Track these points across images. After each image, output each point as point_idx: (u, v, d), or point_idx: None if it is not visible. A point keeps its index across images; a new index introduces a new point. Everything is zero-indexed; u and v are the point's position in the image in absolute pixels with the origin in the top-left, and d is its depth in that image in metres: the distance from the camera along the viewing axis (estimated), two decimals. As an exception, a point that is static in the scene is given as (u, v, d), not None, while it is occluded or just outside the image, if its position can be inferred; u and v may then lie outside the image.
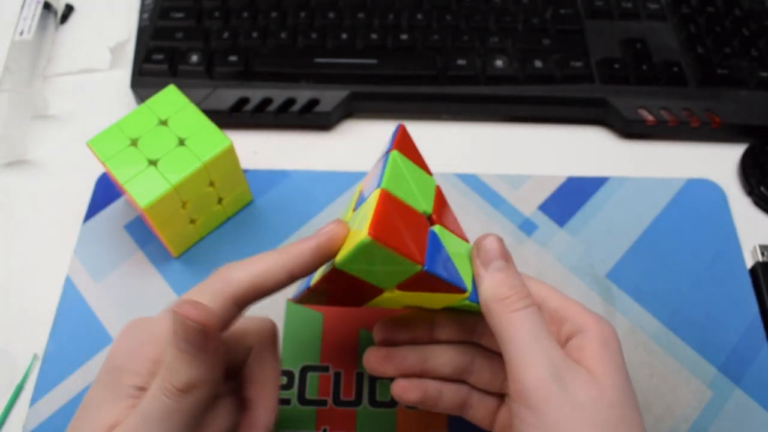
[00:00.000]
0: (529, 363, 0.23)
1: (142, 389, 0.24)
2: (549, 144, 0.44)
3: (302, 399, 0.33)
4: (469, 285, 0.25)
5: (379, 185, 0.25)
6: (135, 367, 0.24)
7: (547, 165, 0.42)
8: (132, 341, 0.25)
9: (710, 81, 0.43)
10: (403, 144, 0.28)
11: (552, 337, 0.24)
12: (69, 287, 0.37)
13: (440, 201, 0.28)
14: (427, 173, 0.29)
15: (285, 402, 0.33)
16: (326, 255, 0.25)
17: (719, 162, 0.43)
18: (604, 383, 0.23)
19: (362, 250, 0.22)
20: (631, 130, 0.43)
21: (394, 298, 0.27)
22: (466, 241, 0.28)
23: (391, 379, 0.29)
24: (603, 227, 0.39)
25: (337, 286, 0.26)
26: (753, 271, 0.37)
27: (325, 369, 0.34)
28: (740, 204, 0.41)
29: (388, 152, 0.27)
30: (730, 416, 0.33)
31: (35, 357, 0.35)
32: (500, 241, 0.26)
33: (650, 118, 0.42)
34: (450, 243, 0.26)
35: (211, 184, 0.36)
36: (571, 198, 0.40)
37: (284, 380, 0.34)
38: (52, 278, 0.37)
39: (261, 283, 0.24)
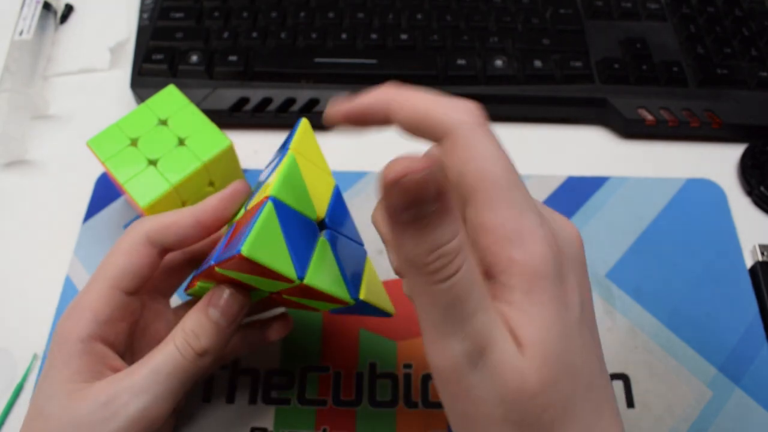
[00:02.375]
0: (440, 350, 0.19)
1: (90, 339, 0.25)
2: (549, 144, 0.44)
3: (302, 399, 0.33)
4: (361, 291, 0.26)
5: (269, 191, 0.24)
6: (76, 319, 0.26)
7: (547, 165, 0.42)
8: (71, 305, 0.27)
9: (710, 81, 0.43)
10: (303, 142, 0.27)
11: (480, 306, 0.19)
12: (69, 287, 0.37)
13: (337, 203, 0.28)
14: (327, 173, 0.29)
15: (285, 402, 0.33)
16: (229, 208, 0.28)
17: (719, 162, 0.43)
18: (529, 364, 0.18)
19: (237, 264, 0.23)
20: (631, 130, 0.43)
21: (282, 299, 0.27)
22: (360, 243, 0.29)
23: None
24: (603, 227, 0.39)
25: (224, 282, 0.26)
26: (753, 271, 0.37)
27: (325, 369, 0.34)
28: (740, 204, 0.41)
29: (286, 149, 0.27)
30: (730, 416, 0.33)
31: (35, 357, 0.35)
32: (411, 175, 0.17)
33: (650, 118, 0.42)
34: (343, 248, 0.26)
35: (211, 183, 0.36)
36: (571, 198, 0.40)
37: (284, 380, 0.34)
38: (52, 278, 0.37)
39: (170, 223, 0.27)
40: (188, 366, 0.25)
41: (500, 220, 0.19)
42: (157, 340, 0.26)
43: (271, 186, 0.25)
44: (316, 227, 0.26)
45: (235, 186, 0.28)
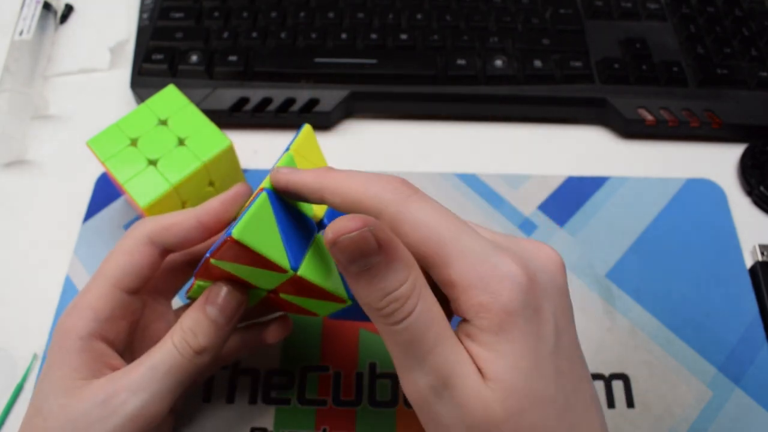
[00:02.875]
0: (409, 384, 0.21)
1: (90, 337, 0.26)
2: (549, 144, 0.44)
3: (302, 399, 0.33)
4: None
5: (264, 184, 0.24)
6: (77, 317, 0.26)
7: (547, 165, 0.42)
8: (72, 303, 0.27)
9: (710, 81, 0.43)
10: (304, 145, 0.27)
11: (438, 342, 0.20)
12: (69, 287, 0.37)
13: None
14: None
15: (285, 402, 0.33)
16: (230, 210, 0.28)
17: (719, 162, 0.43)
18: (493, 396, 0.20)
19: (229, 249, 0.23)
20: (631, 130, 0.43)
21: (279, 300, 0.27)
22: None
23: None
24: (603, 227, 0.39)
25: (221, 278, 0.26)
26: (753, 271, 0.37)
27: (325, 369, 0.34)
28: (740, 204, 0.41)
29: (286, 150, 0.27)
30: (730, 416, 0.33)
31: (35, 357, 0.35)
32: (357, 221, 0.19)
33: (650, 118, 0.42)
34: None
35: (211, 183, 0.36)
36: (571, 198, 0.40)
37: (284, 380, 0.34)
38: (52, 278, 0.37)
39: (172, 223, 0.27)
40: (186, 364, 0.25)
41: (460, 272, 0.20)
42: (157, 340, 0.26)
43: (267, 179, 0.24)
44: (313, 224, 0.26)
45: (236, 188, 0.28)
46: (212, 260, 0.24)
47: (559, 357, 0.21)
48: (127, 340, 0.28)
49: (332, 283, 0.25)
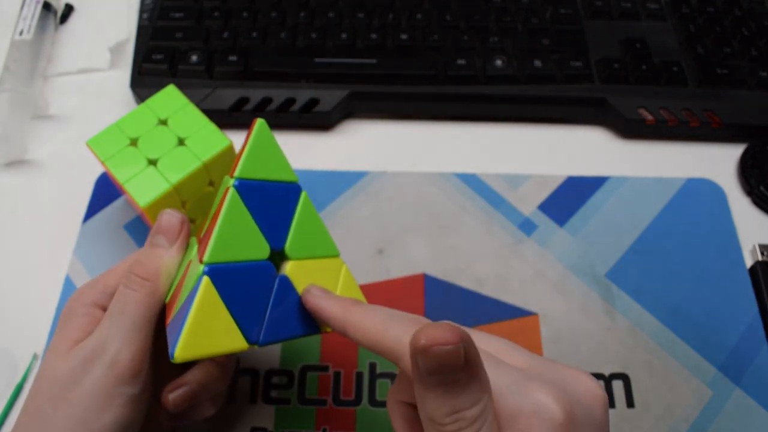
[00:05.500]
0: None
1: (93, 305, 0.27)
2: (549, 144, 0.44)
3: (302, 399, 0.33)
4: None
5: (201, 260, 0.24)
6: (84, 289, 0.27)
7: (547, 165, 0.42)
8: (72, 296, 0.28)
9: (710, 81, 0.43)
10: (255, 153, 0.27)
11: None
12: (69, 287, 0.37)
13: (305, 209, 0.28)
14: (289, 178, 0.28)
15: (285, 402, 0.33)
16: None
17: (719, 162, 0.43)
18: None
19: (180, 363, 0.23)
20: (630, 129, 0.43)
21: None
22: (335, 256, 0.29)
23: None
24: (603, 227, 0.39)
25: None
26: (752, 271, 0.37)
27: (325, 369, 0.34)
28: (740, 204, 0.41)
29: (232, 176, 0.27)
30: (730, 416, 0.33)
31: (35, 357, 0.35)
32: (455, 335, 0.18)
33: (650, 117, 0.42)
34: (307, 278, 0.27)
35: (211, 183, 0.36)
36: (571, 198, 0.40)
37: (284, 380, 0.34)
38: (52, 278, 0.37)
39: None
40: (140, 297, 0.26)
41: (511, 401, 0.19)
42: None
43: (205, 252, 0.24)
44: (268, 267, 0.26)
45: (165, 225, 0.28)
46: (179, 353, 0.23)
47: None
48: None
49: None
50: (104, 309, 0.27)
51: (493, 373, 0.20)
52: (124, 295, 0.26)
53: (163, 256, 0.27)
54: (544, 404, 0.19)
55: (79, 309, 0.27)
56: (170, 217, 0.27)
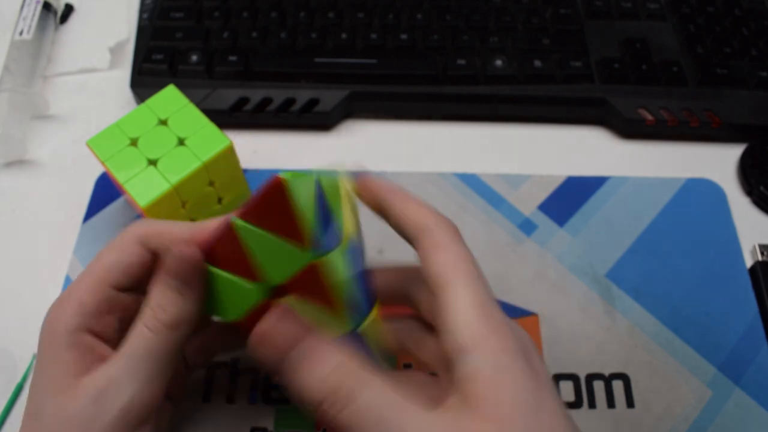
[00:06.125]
0: None
1: (78, 330, 0.25)
2: (549, 144, 0.44)
3: (302, 399, 0.33)
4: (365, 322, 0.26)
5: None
6: (63, 311, 0.25)
7: (546, 165, 0.42)
8: (59, 298, 0.26)
9: (710, 81, 0.43)
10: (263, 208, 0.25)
11: (411, 404, 0.20)
12: (69, 287, 0.37)
13: (311, 278, 0.25)
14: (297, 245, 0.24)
15: (285, 402, 0.33)
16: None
17: (719, 162, 0.43)
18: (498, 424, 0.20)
19: (268, 193, 0.22)
20: (630, 129, 0.43)
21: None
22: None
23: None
24: (603, 227, 0.39)
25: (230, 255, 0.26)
26: (753, 271, 0.37)
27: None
28: (740, 204, 0.41)
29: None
30: (729, 416, 0.33)
31: (35, 357, 0.35)
32: (278, 321, 0.22)
33: (650, 117, 0.42)
34: (358, 265, 0.26)
35: (211, 183, 0.36)
36: (570, 198, 0.40)
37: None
38: (52, 278, 0.37)
39: (165, 230, 0.27)
40: (163, 342, 0.25)
41: (468, 302, 0.22)
42: None
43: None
44: (341, 235, 0.25)
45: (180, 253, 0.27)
46: (233, 218, 0.23)
47: (554, 392, 0.22)
48: (119, 335, 0.27)
49: (348, 289, 0.24)
50: (92, 333, 0.25)
51: (487, 290, 0.23)
52: (148, 339, 0.25)
53: (184, 300, 0.25)
54: (510, 322, 0.22)
55: (63, 338, 0.25)
56: (183, 260, 0.25)
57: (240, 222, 0.23)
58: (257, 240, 0.24)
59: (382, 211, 0.25)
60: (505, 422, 0.19)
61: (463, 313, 0.21)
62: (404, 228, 0.25)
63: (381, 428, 0.20)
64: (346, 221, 0.25)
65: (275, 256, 0.24)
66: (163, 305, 0.25)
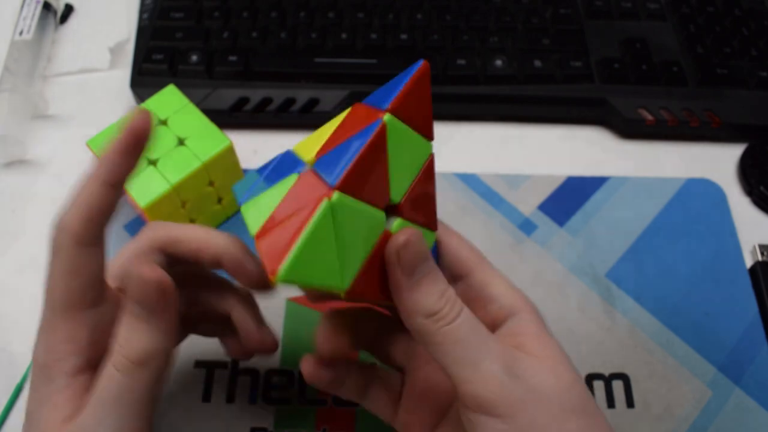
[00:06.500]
0: (480, 375, 0.22)
1: (78, 372, 0.23)
2: (549, 144, 0.44)
3: (302, 399, 0.33)
4: None
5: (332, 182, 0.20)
6: (58, 355, 0.23)
7: (546, 165, 0.42)
8: (44, 336, 0.23)
9: (710, 81, 0.43)
10: (410, 97, 0.22)
11: (490, 335, 0.23)
12: (69, 287, 0.37)
13: (426, 176, 0.24)
14: (426, 137, 0.24)
15: (285, 402, 0.33)
16: (137, 152, 0.23)
17: (719, 162, 0.43)
18: (554, 367, 0.23)
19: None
20: (630, 129, 0.43)
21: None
22: (433, 228, 0.26)
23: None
24: (603, 227, 0.39)
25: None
26: (752, 271, 0.37)
27: (325, 369, 0.34)
28: (740, 204, 0.41)
29: (382, 110, 0.22)
30: (729, 416, 0.33)
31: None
32: (417, 235, 0.22)
33: (650, 117, 0.42)
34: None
35: (211, 183, 0.36)
36: (570, 198, 0.40)
37: (284, 380, 0.34)
38: (52, 278, 0.37)
39: (180, 238, 0.25)
40: (133, 383, 0.22)
41: (500, 277, 0.25)
42: None
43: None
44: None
45: (130, 122, 0.23)
46: (389, 117, 0.21)
47: (576, 370, 0.24)
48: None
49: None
50: (89, 365, 0.23)
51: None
52: (116, 381, 0.22)
53: (152, 332, 0.22)
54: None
55: (58, 378, 0.22)
56: (144, 285, 0.21)
57: (393, 120, 0.21)
58: (400, 141, 0.21)
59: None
60: (557, 363, 0.23)
61: (503, 287, 0.25)
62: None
63: (467, 346, 0.22)
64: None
65: (406, 160, 0.22)
66: (129, 339, 0.22)
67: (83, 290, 0.22)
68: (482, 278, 0.25)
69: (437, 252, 0.26)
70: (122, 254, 0.26)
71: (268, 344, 0.28)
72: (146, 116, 0.23)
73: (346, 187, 0.20)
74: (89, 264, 0.22)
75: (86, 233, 0.22)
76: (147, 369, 0.22)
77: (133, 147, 0.23)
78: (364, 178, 0.21)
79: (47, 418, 0.22)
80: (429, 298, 0.22)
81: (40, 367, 0.23)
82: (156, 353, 0.22)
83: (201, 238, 0.26)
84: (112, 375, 0.22)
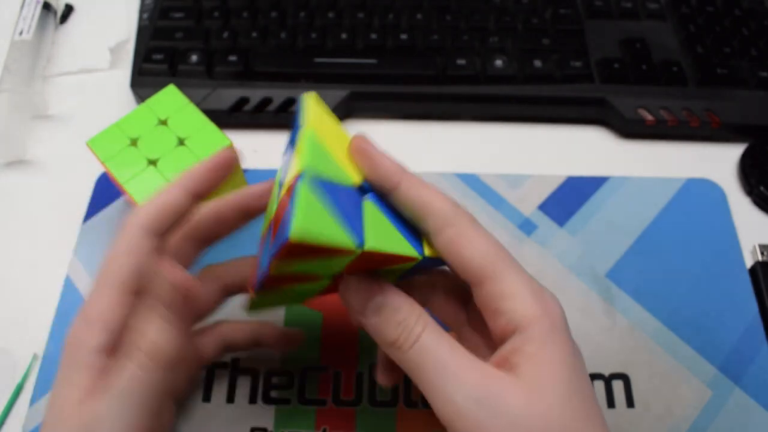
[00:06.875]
0: (446, 400, 0.21)
1: (101, 351, 0.24)
2: (549, 144, 0.44)
3: (302, 399, 0.33)
4: (424, 246, 0.24)
5: (297, 169, 0.22)
6: (89, 328, 0.24)
7: (546, 165, 0.42)
8: (83, 310, 0.25)
9: (710, 81, 0.43)
10: (315, 115, 0.25)
11: (460, 354, 0.22)
12: (69, 287, 0.37)
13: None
14: (347, 139, 0.26)
15: (285, 402, 0.33)
16: (219, 175, 0.27)
17: (719, 162, 0.43)
18: (534, 391, 0.21)
19: (289, 253, 0.21)
20: (630, 129, 0.43)
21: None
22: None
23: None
24: (603, 227, 0.39)
25: (284, 282, 0.25)
26: (753, 271, 0.37)
27: (325, 369, 0.34)
28: (740, 204, 0.41)
29: (295, 131, 0.25)
30: (729, 416, 0.33)
31: (35, 357, 0.35)
32: (360, 278, 0.23)
33: (650, 117, 0.42)
34: (391, 208, 0.25)
35: (211, 184, 0.36)
36: (570, 198, 0.40)
37: (284, 380, 0.34)
38: (52, 278, 0.37)
39: (163, 207, 0.25)
40: (151, 379, 0.23)
41: (515, 284, 0.23)
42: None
43: (299, 163, 0.23)
44: (356, 193, 0.24)
45: (220, 153, 0.27)
46: (273, 271, 0.22)
47: (584, 368, 0.23)
48: None
49: (401, 246, 0.23)
50: (113, 349, 0.24)
51: (517, 262, 0.24)
52: (135, 377, 0.23)
53: (176, 334, 0.24)
54: (551, 293, 0.24)
55: (84, 357, 0.23)
56: (174, 292, 0.23)
57: (276, 270, 0.23)
58: (301, 267, 0.23)
59: (389, 190, 0.24)
60: (543, 385, 0.21)
61: (517, 299, 0.23)
62: (420, 217, 0.24)
63: (438, 366, 0.22)
64: (346, 167, 0.25)
65: (324, 267, 0.24)
66: (154, 340, 0.23)
67: (133, 273, 0.24)
68: (496, 288, 0.23)
69: (444, 261, 0.25)
70: (116, 252, 0.25)
71: (293, 340, 0.31)
72: (234, 153, 0.27)
73: (308, 167, 0.22)
74: (146, 253, 0.24)
75: (153, 225, 0.25)
76: (165, 367, 0.23)
77: (220, 169, 0.26)
78: (319, 160, 0.23)
79: (65, 397, 0.23)
80: (385, 330, 0.23)
81: (69, 344, 0.24)
82: (175, 353, 0.23)
83: (177, 199, 0.26)
84: (132, 372, 0.23)
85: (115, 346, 0.24)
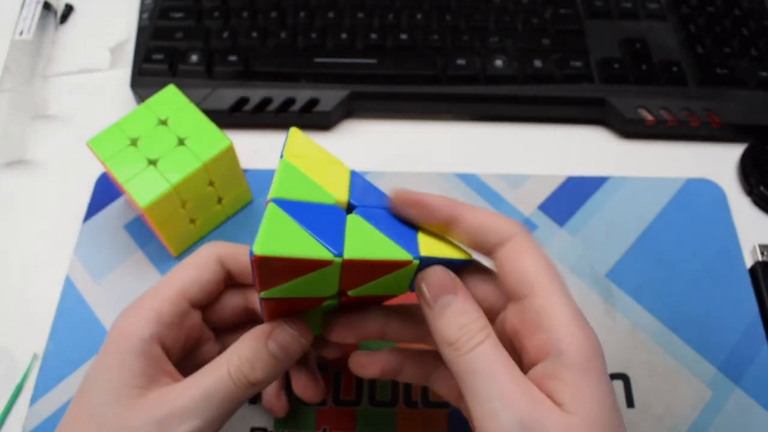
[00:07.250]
0: (490, 413, 0.21)
1: (152, 340, 0.25)
2: (549, 144, 0.44)
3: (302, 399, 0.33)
4: (420, 248, 0.24)
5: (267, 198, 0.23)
6: (141, 317, 0.26)
7: (546, 165, 0.42)
8: (136, 302, 0.27)
9: (710, 81, 0.43)
10: (296, 146, 0.26)
11: (514, 371, 0.22)
12: (69, 287, 0.37)
13: (358, 183, 0.27)
14: (337, 163, 0.28)
15: (285, 402, 0.33)
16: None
17: (719, 162, 0.43)
18: (574, 425, 0.21)
19: (263, 270, 0.22)
20: (630, 129, 0.43)
21: (353, 301, 0.26)
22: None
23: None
24: (603, 227, 0.39)
25: (285, 307, 0.26)
26: (753, 271, 0.37)
27: (325, 369, 0.34)
28: (740, 204, 0.41)
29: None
30: (729, 416, 0.33)
31: (35, 357, 0.35)
32: (443, 271, 0.24)
33: (650, 117, 0.42)
34: (382, 219, 0.25)
35: (211, 183, 0.36)
36: (570, 198, 0.40)
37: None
38: (52, 278, 0.37)
39: (242, 251, 0.28)
40: (239, 394, 0.25)
41: (560, 306, 0.23)
42: (204, 361, 0.26)
43: (270, 193, 0.24)
44: (339, 210, 0.25)
45: None
46: (261, 294, 0.23)
47: (615, 419, 0.22)
48: (182, 352, 0.27)
49: (386, 251, 0.24)
50: (162, 345, 0.26)
51: (565, 285, 0.24)
52: (227, 386, 0.25)
53: (275, 368, 0.25)
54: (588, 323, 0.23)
55: (136, 344, 0.25)
56: (293, 339, 0.25)
57: (264, 294, 0.23)
58: (292, 290, 0.24)
59: (448, 224, 0.25)
60: (581, 419, 0.21)
61: (560, 319, 0.23)
62: (481, 238, 0.25)
63: (480, 379, 0.22)
64: (330, 188, 0.26)
65: (316, 286, 0.24)
66: (255, 364, 0.25)
67: (198, 286, 0.27)
68: (541, 304, 0.23)
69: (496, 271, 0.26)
70: (184, 264, 0.28)
71: (275, 411, 0.32)
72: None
73: (278, 194, 0.24)
74: (215, 276, 0.28)
75: (227, 261, 0.28)
76: (253, 390, 0.25)
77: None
78: (293, 186, 0.24)
79: (119, 381, 0.24)
80: (449, 329, 0.23)
81: (117, 329, 0.26)
82: (266, 383, 0.26)
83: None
84: (226, 380, 0.25)
85: (162, 342, 0.26)
